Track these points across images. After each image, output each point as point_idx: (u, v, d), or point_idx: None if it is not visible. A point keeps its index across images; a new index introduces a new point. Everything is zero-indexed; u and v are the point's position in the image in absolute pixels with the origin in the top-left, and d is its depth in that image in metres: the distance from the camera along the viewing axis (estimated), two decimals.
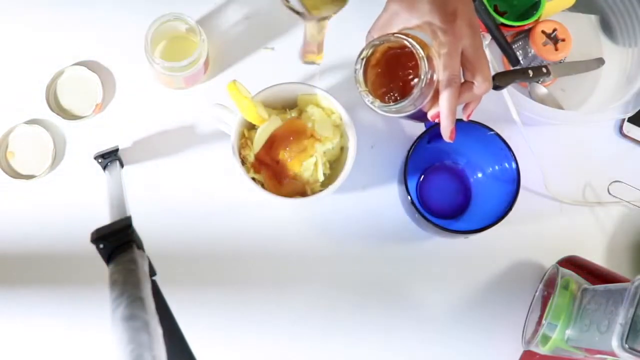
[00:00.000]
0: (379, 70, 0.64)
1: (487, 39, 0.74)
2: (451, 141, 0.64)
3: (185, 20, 0.73)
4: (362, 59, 0.62)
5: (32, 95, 0.76)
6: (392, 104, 0.62)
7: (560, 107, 0.79)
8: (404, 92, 0.62)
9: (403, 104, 0.61)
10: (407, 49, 0.60)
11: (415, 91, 0.60)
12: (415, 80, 0.61)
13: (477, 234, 0.69)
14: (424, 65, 0.59)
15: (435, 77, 0.60)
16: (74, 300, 0.73)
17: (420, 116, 0.65)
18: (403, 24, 0.62)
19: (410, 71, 0.62)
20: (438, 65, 0.60)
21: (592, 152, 0.82)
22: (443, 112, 0.61)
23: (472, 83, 0.62)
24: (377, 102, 0.62)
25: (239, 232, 0.76)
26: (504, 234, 0.75)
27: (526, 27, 0.79)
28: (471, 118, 0.71)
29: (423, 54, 0.59)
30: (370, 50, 0.62)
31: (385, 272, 0.76)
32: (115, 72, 0.78)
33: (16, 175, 0.75)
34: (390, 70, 0.64)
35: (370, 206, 0.77)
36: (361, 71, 0.63)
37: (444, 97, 0.60)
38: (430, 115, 0.64)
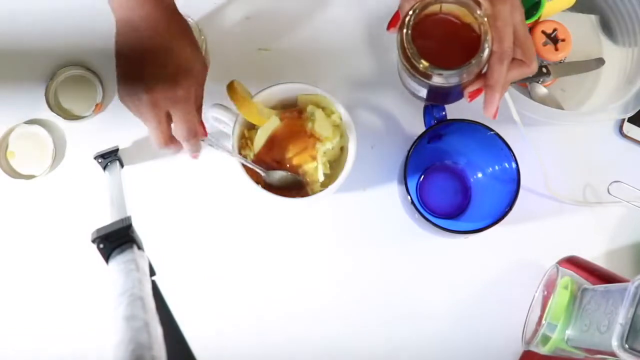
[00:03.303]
0: (416, 35, 0.59)
1: None
2: (495, 119, 0.61)
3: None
4: (415, 10, 0.58)
5: (32, 95, 0.76)
6: (446, 69, 0.57)
7: (560, 107, 0.79)
8: (438, 61, 0.58)
9: (455, 71, 0.57)
10: (451, 16, 0.57)
11: (474, 60, 0.56)
12: (459, 50, 0.58)
13: (477, 234, 0.69)
14: (489, 34, 0.56)
15: (489, 51, 0.57)
16: (74, 300, 0.73)
17: (449, 94, 0.62)
18: None
19: (448, 40, 0.60)
20: (491, 37, 0.56)
21: (592, 152, 0.82)
22: (493, 85, 0.58)
23: (522, 61, 0.59)
24: (429, 65, 0.58)
25: (239, 231, 0.76)
26: (504, 234, 0.75)
27: None
28: (471, 118, 0.71)
29: (485, 20, 0.56)
30: (419, 9, 0.58)
31: (385, 272, 0.76)
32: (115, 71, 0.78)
33: (16, 175, 0.75)
34: (430, 37, 0.60)
35: (370, 206, 0.77)
36: (409, 32, 0.58)
37: (496, 69, 0.57)
38: (468, 91, 0.60)
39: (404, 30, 0.58)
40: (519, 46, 0.59)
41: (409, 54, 0.59)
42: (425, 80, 0.61)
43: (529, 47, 0.59)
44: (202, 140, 0.64)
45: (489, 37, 0.57)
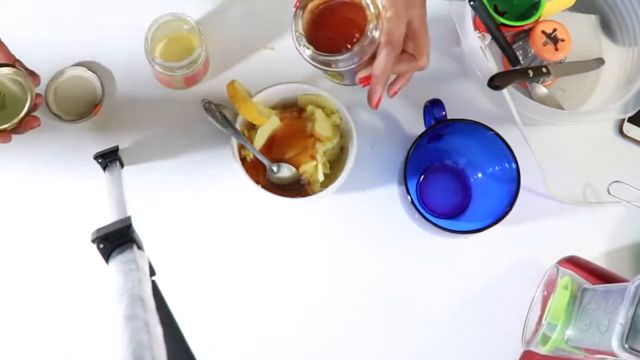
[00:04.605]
0: (314, 20, 0.62)
1: (487, 39, 0.74)
2: (375, 109, 0.62)
3: (185, 20, 0.73)
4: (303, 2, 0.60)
5: None
6: (329, 54, 0.59)
7: (560, 107, 0.79)
8: (334, 46, 0.60)
9: (340, 57, 0.59)
10: (350, 1, 0.58)
11: (356, 48, 0.58)
12: (357, 36, 0.59)
13: (477, 234, 0.69)
14: (373, 22, 0.57)
15: (377, 38, 0.58)
16: (74, 300, 0.73)
17: (348, 77, 0.63)
18: None
19: (348, 26, 0.61)
20: (382, 27, 0.57)
21: (592, 152, 0.82)
22: (377, 75, 0.59)
23: (412, 55, 0.60)
24: (311, 50, 0.60)
25: (239, 231, 0.76)
26: (504, 234, 0.75)
27: (526, 27, 0.79)
28: (471, 118, 0.71)
29: (374, 9, 0.57)
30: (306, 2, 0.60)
31: (385, 272, 0.76)
32: (115, 72, 0.78)
33: None
34: (326, 22, 0.62)
35: (370, 206, 0.77)
36: (301, 15, 0.60)
37: (382, 59, 0.58)
38: (359, 77, 0.61)
39: (294, 19, 0.60)
40: (412, 40, 0.59)
41: (297, 39, 0.60)
42: (314, 64, 0.61)
43: (422, 43, 0.59)
44: (205, 108, 0.63)
45: (371, 26, 0.57)
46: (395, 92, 0.64)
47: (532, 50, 0.78)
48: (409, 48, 0.60)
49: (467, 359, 0.75)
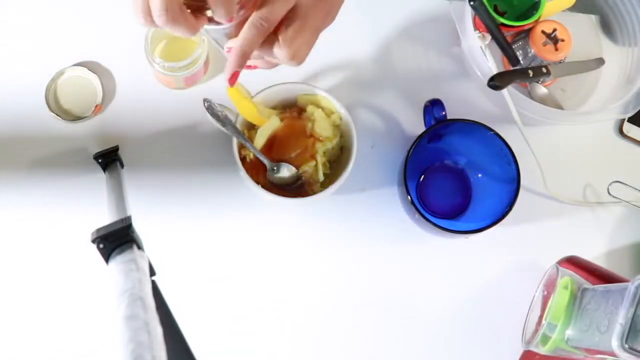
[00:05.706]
0: None
1: (487, 39, 0.74)
2: (230, 85, 0.57)
3: None
4: None
5: (32, 96, 0.76)
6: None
7: (560, 107, 0.79)
8: None
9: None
10: None
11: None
12: None
13: (477, 234, 0.69)
14: None
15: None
16: (74, 300, 0.73)
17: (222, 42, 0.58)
18: None
19: None
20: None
21: (592, 152, 0.82)
22: (235, 49, 0.53)
23: (279, 41, 0.53)
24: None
25: (239, 231, 0.76)
26: (504, 234, 0.75)
27: (526, 27, 0.79)
28: (471, 118, 0.71)
29: None
30: None
31: (385, 273, 0.76)
32: (115, 72, 0.78)
33: None
34: None
35: (370, 206, 0.77)
36: None
37: (241, 35, 0.52)
38: (227, 45, 0.56)
39: None
40: (288, 25, 0.53)
41: None
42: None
43: (295, 34, 0.53)
44: (206, 107, 0.63)
45: None
46: (236, 75, 0.56)
47: (532, 50, 0.78)
48: (280, 31, 0.53)
49: (467, 359, 0.75)
